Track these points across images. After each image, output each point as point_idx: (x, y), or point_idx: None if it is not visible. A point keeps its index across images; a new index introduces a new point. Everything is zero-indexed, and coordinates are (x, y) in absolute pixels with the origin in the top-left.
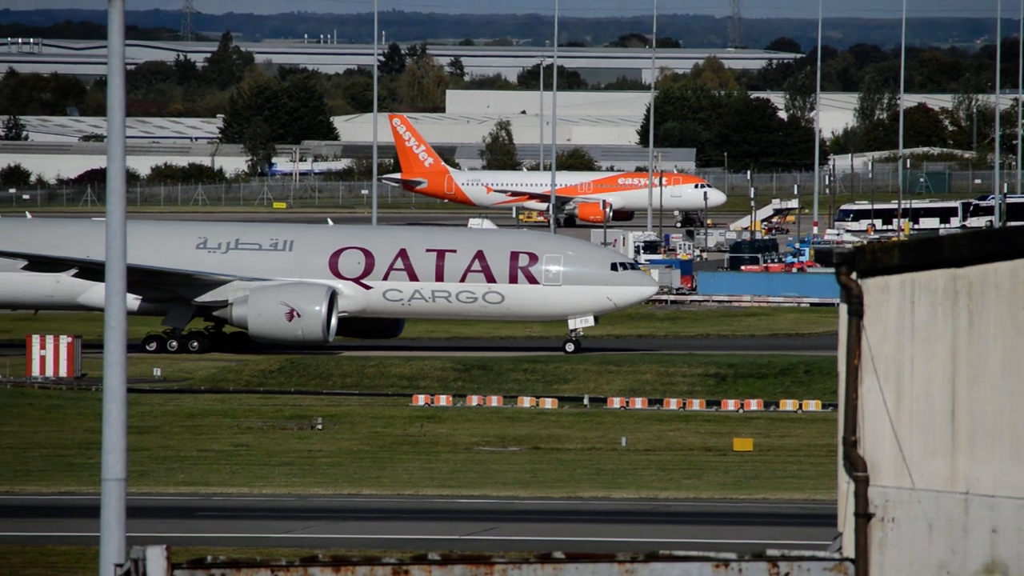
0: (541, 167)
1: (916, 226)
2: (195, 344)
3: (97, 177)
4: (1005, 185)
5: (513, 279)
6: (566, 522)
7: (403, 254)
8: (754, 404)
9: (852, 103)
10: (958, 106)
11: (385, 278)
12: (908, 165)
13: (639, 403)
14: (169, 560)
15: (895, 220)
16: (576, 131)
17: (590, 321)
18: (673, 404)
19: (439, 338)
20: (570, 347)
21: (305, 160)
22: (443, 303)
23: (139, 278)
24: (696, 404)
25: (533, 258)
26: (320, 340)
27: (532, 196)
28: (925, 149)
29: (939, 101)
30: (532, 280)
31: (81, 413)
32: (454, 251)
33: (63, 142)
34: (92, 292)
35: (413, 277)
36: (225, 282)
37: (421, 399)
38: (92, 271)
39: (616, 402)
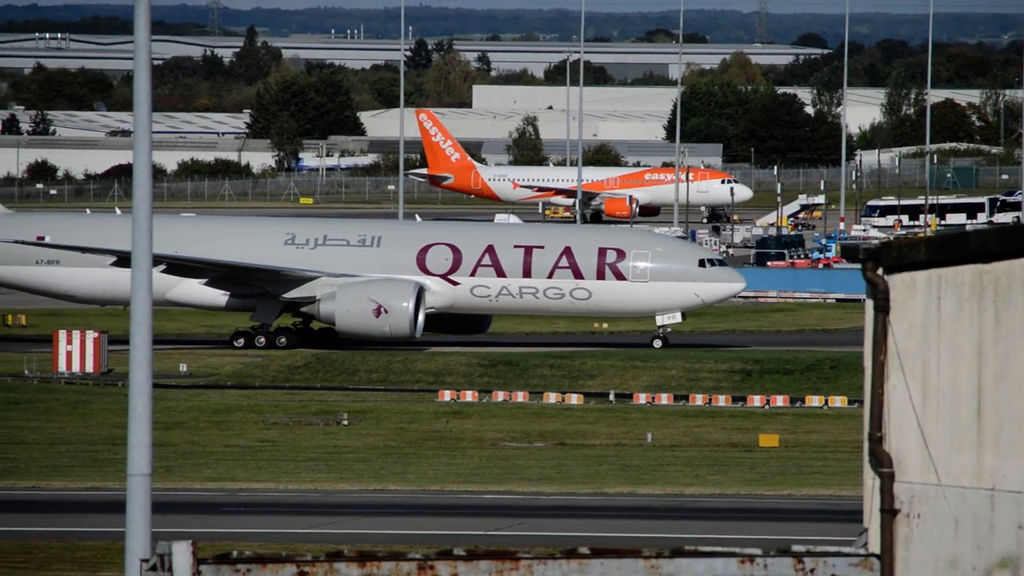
0: (567, 162)
1: (943, 222)
2: (283, 340)
3: (124, 172)
4: None
5: (600, 275)
6: (591, 518)
7: (491, 250)
8: (780, 400)
9: (879, 98)
10: (985, 101)
11: (472, 274)
12: (935, 161)
13: (665, 399)
14: (195, 555)
15: (922, 216)
16: (603, 126)
17: (677, 317)
18: (699, 400)
19: (463, 334)
20: (658, 343)
21: (332, 155)
22: (530, 299)
23: (227, 274)
24: (722, 400)
25: (621, 254)
26: (407, 336)
27: (558, 192)
28: (952, 145)
29: (966, 96)
30: (620, 276)
31: (107, 408)
32: (542, 247)
33: (90, 137)
34: (180, 288)
35: (500, 273)
36: (313, 278)
37: (447, 395)
38: (181, 267)
39: (642, 398)
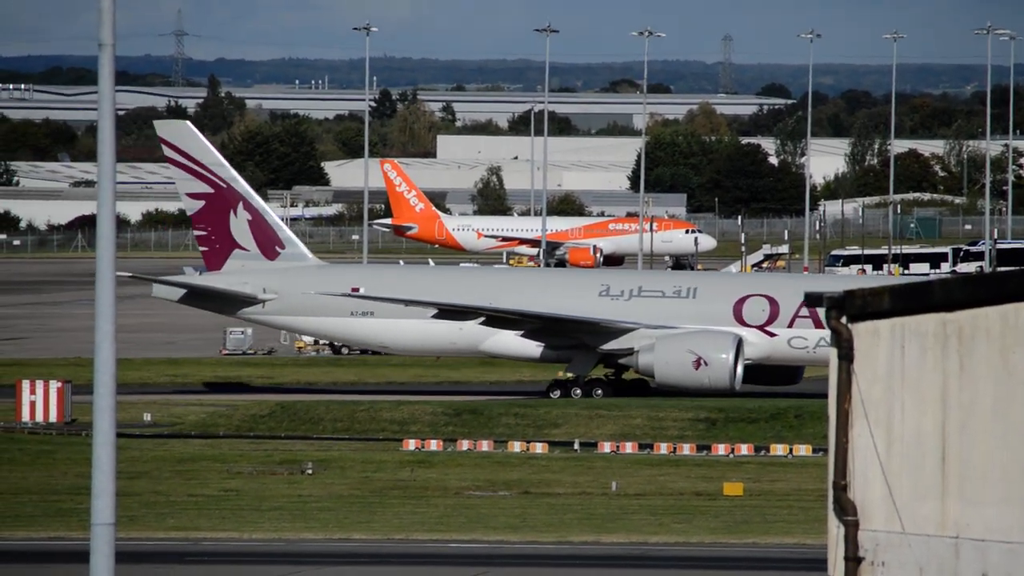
0: (532, 212)
1: (906, 271)
2: (599, 392)
3: (88, 223)
4: (995, 231)
5: None
6: (556, 567)
7: None
8: (744, 449)
9: (843, 148)
10: (949, 152)
11: (790, 325)
12: (899, 211)
13: (629, 447)
14: None
15: (885, 265)
16: (567, 176)
17: None
18: (663, 448)
19: (429, 383)
20: None
21: (296, 205)
22: None
23: (544, 326)
24: (686, 448)
25: None
26: (727, 388)
27: (523, 241)
28: (916, 195)
29: (930, 147)
30: None
31: (71, 458)
32: None
33: (54, 188)
34: (495, 339)
35: (819, 324)
36: (630, 330)
37: (412, 443)
38: (500, 319)
39: (606, 446)
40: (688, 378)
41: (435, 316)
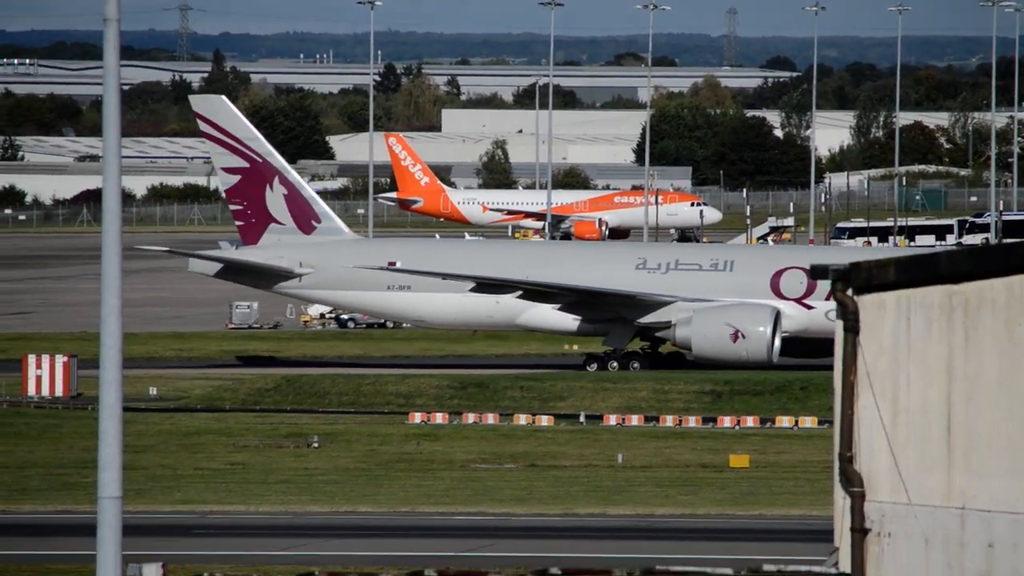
0: (537, 186)
1: (912, 244)
2: (636, 364)
3: (93, 197)
4: (1001, 203)
5: None
6: (562, 539)
7: None
8: (750, 421)
9: (848, 121)
10: (954, 124)
11: (828, 298)
12: (904, 183)
13: (635, 420)
14: None
15: (891, 238)
16: (572, 150)
17: None
18: (669, 421)
19: (434, 356)
20: None
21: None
22: None
23: (580, 299)
24: (692, 421)
25: None
26: (765, 361)
27: (528, 215)
28: (921, 167)
29: (935, 119)
30: None
31: (77, 432)
32: None
33: (59, 162)
34: (531, 313)
35: None
36: (668, 303)
37: (417, 417)
38: (536, 293)
39: (612, 419)
40: (726, 351)
41: (472, 290)
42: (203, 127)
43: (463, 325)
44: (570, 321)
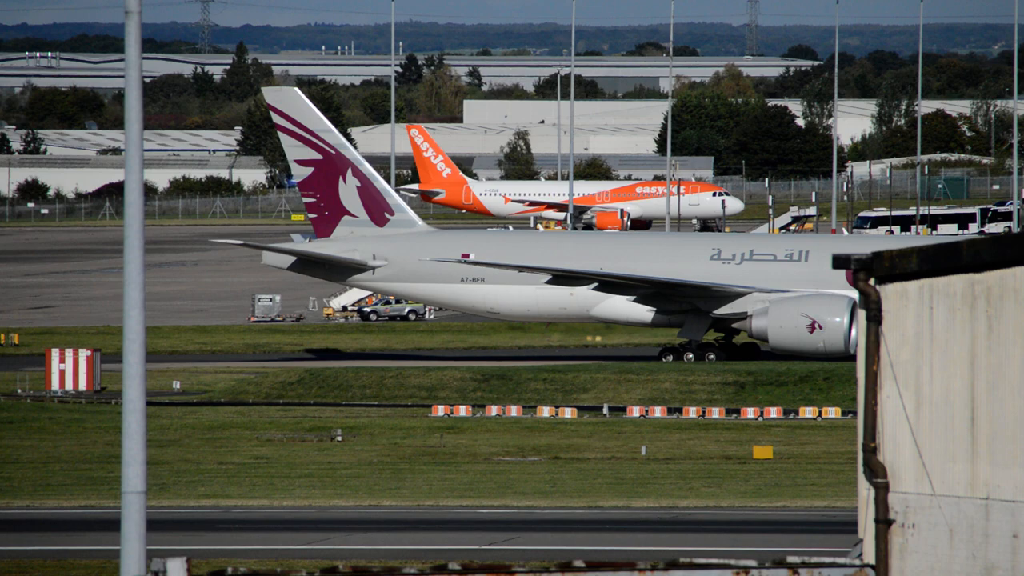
0: (559, 176)
1: (935, 232)
2: (711, 356)
3: (115, 190)
4: (1023, 191)
5: None
6: (586, 532)
7: None
8: (773, 412)
9: (870, 110)
10: (976, 112)
11: None
12: (926, 171)
13: (658, 412)
14: (190, 572)
15: (913, 227)
16: (594, 140)
17: None
18: (692, 412)
19: (457, 348)
20: None
21: None
22: None
23: (655, 291)
24: (716, 412)
25: None
26: (842, 352)
27: (550, 206)
28: (943, 155)
29: (957, 107)
30: None
31: (101, 427)
32: None
33: (81, 156)
34: (605, 304)
35: None
36: (743, 294)
37: (440, 410)
38: (611, 284)
39: (636, 411)
40: (802, 342)
41: (548, 282)
42: (276, 119)
43: (537, 317)
44: (644, 313)
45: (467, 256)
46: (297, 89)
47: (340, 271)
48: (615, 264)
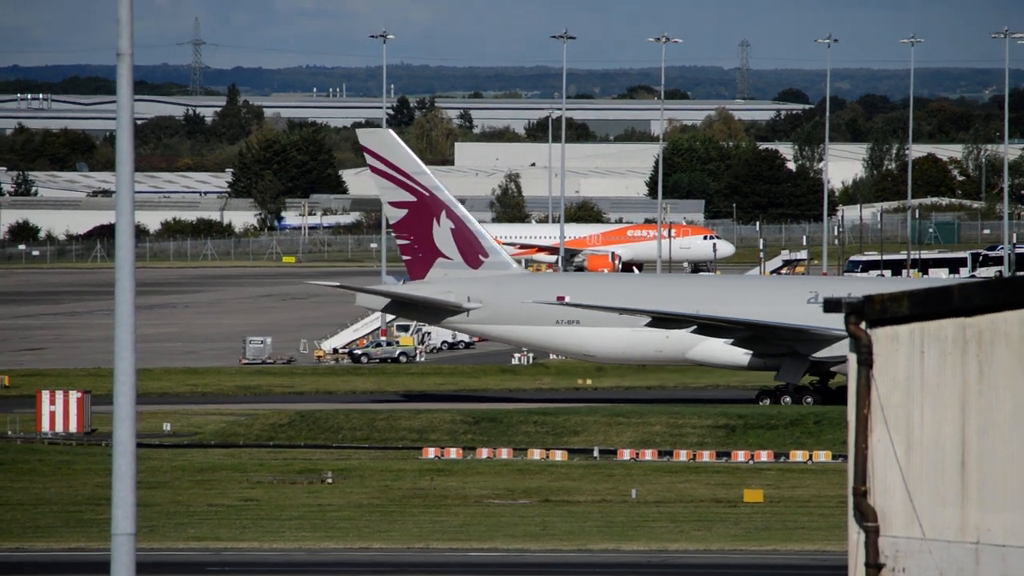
0: (550, 219)
1: (925, 277)
2: (809, 400)
3: (106, 232)
4: (1014, 235)
5: None
6: (576, 574)
7: None
8: (764, 455)
9: (861, 153)
10: (967, 156)
11: None
12: (917, 215)
13: (649, 455)
14: None
15: (904, 271)
16: (585, 183)
17: None
18: (683, 455)
19: (447, 391)
20: None
21: (314, 214)
22: None
23: (753, 334)
24: (706, 455)
25: None
26: None
27: (541, 248)
28: (934, 199)
29: (948, 151)
30: None
31: (91, 468)
32: None
33: (72, 197)
34: (702, 347)
35: None
36: (842, 337)
37: (431, 452)
38: (709, 327)
39: (626, 454)
40: None
41: (647, 324)
42: (370, 161)
43: (632, 359)
44: (741, 355)
45: (563, 298)
46: (392, 131)
47: (434, 313)
48: (711, 307)
